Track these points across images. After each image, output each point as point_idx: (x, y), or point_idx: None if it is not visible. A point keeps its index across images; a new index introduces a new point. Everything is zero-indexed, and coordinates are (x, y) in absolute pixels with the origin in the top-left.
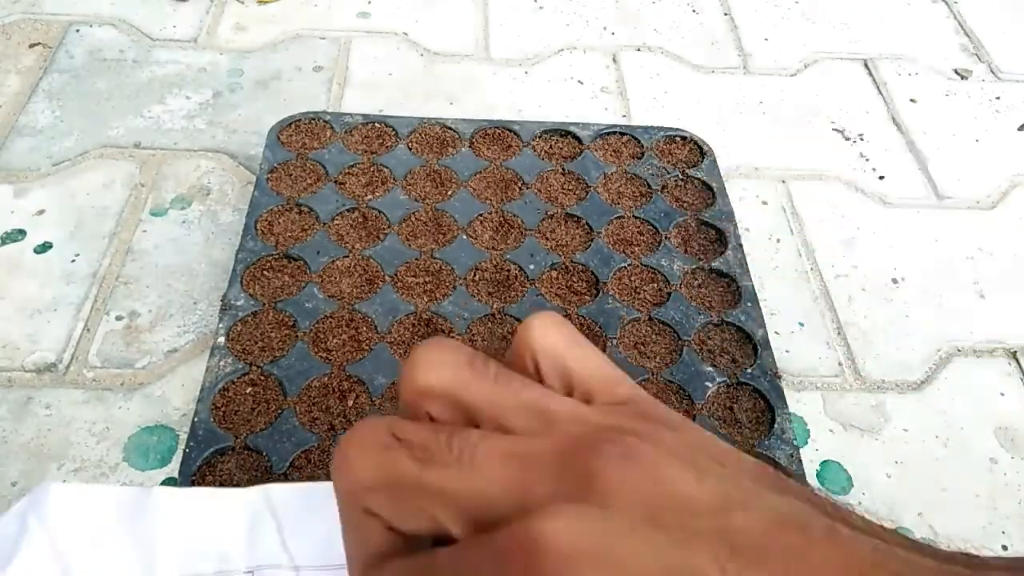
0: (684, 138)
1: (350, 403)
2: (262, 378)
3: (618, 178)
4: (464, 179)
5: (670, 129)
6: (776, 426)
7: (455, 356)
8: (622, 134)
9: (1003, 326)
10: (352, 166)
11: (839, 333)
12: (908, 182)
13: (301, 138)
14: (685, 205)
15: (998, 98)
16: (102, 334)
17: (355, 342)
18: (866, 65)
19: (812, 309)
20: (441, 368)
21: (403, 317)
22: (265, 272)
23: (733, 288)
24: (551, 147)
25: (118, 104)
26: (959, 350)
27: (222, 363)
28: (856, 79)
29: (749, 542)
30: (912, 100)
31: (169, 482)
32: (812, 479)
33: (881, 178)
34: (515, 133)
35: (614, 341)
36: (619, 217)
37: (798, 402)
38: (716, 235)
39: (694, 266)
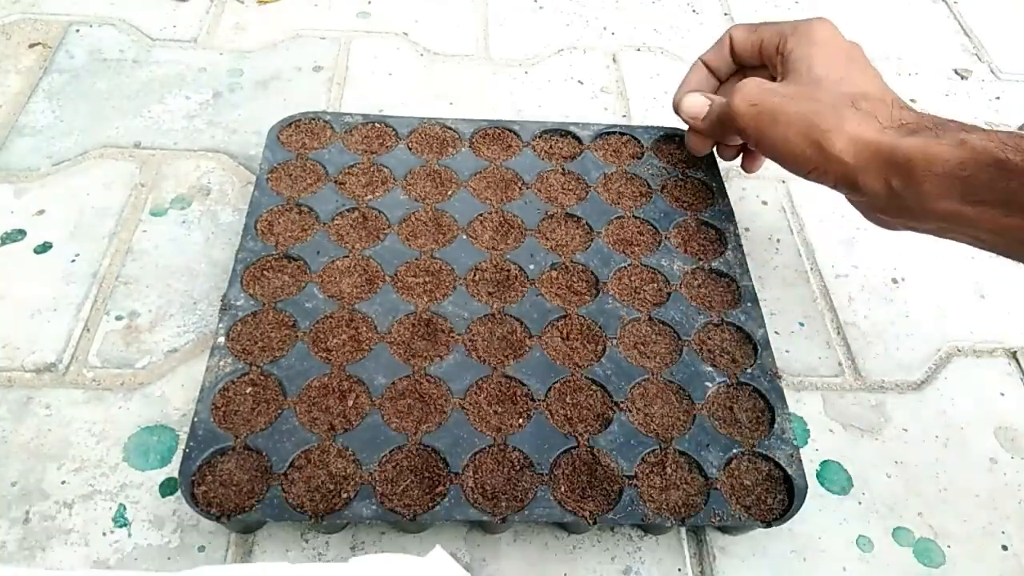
0: (684, 138)
1: (350, 403)
2: (262, 378)
3: (618, 178)
4: (464, 179)
5: (670, 129)
6: (776, 426)
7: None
8: (622, 134)
9: (1003, 326)
10: (352, 166)
11: (839, 333)
12: None
13: (301, 138)
14: (685, 205)
15: (998, 98)
16: (102, 334)
17: (355, 342)
18: None
19: (812, 309)
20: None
21: (403, 317)
22: (265, 272)
23: (733, 288)
24: (551, 147)
25: (118, 104)
26: (959, 350)
27: (222, 363)
28: None
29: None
30: (912, 100)
31: (169, 482)
32: (812, 479)
33: None
34: (515, 133)
35: (614, 341)
36: (619, 217)
37: (798, 402)
38: (716, 235)
39: (694, 266)
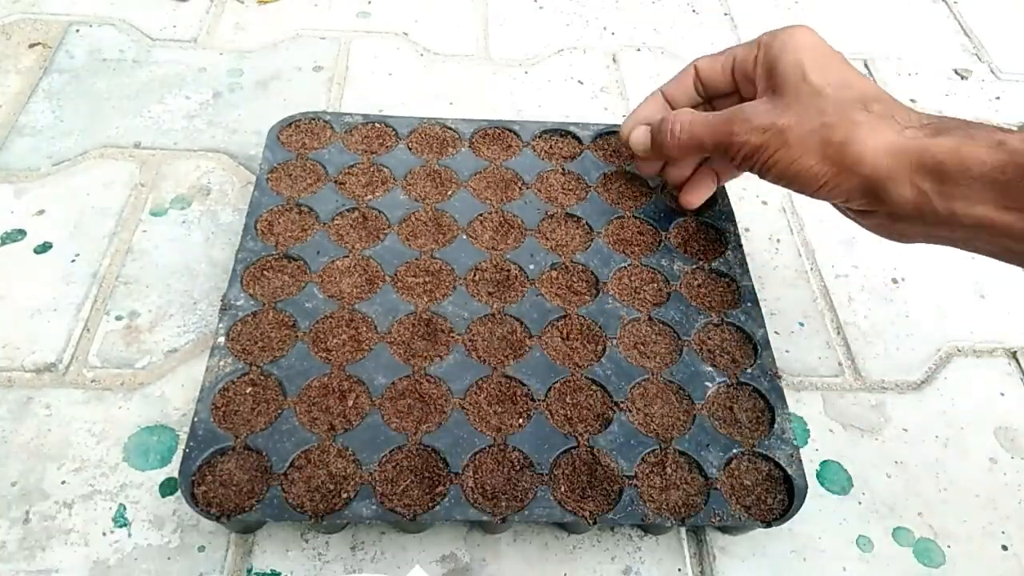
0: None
1: (350, 403)
2: (262, 378)
3: (618, 178)
4: (464, 179)
5: None
6: (776, 426)
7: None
8: None
9: (1003, 326)
10: (352, 166)
11: (839, 333)
12: None
13: (301, 138)
14: None
15: (998, 98)
16: (102, 334)
17: (355, 342)
18: (866, 65)
19: (812, 309)
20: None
21: (403, 317)
22: (265, 272)
23: (733, 288)
24: (551, 147)
25: (118, 104)
26: (959, 350)
27: (222, 363)
28: None
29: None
30: (912, 100)
31: (169, 482)
32: (812, 479)
33: None
34: (515, 133)
35: (614, 341)
36: (619, 217)
37: (798, 402)
38: (716, 235)
39: (694, 266)
